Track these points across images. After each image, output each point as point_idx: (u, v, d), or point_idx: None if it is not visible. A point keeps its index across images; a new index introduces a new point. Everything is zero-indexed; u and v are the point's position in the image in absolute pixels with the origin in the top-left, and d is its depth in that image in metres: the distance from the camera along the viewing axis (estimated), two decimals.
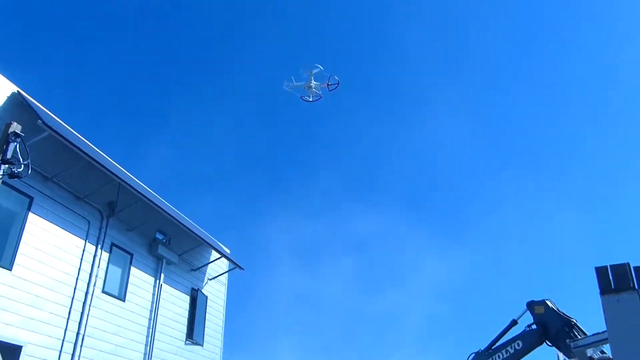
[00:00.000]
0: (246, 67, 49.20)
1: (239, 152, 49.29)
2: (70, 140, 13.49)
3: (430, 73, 49.54)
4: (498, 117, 50.64)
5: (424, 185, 51.65)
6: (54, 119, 14.67)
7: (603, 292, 6.62)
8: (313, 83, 22.04)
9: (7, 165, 10.09)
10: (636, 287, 6.52)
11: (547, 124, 50.53)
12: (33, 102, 14.08)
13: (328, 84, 22.10)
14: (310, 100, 22.30)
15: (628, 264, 6.70)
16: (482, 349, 12.09)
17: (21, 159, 10.11)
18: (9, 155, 10.17)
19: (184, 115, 46.24)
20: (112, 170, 14.89)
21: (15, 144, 10.22)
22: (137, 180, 18.04)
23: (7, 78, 13.84)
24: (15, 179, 10.36)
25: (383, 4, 47.25)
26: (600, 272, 6.67)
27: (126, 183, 15.42)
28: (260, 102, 47.61)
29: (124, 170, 17.40)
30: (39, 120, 12.80)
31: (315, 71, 21.82)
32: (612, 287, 6.52)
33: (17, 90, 13.91)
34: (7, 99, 13.59)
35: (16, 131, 10.28)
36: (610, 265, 6.58)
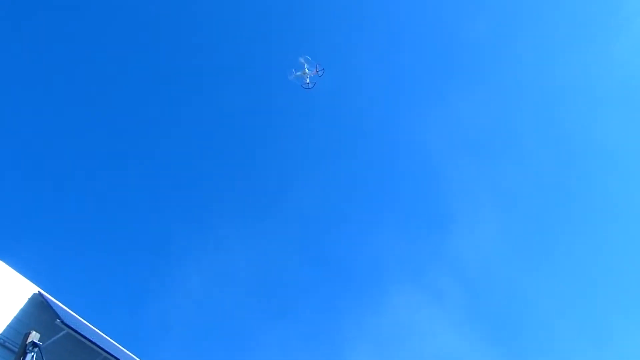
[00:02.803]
0: None
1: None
2: (88, 337, 13.45)
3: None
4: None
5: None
6: (73, 315, 14.81)
7: None
8: (307, 71, 26.69)
9: None
10: None
11: None
12: (52, 301, 14.34)
13: (317, 71, 26.75)
14: (309, 87, 27.07)
15: None
16: None
17: None
18: None
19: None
20: None
21: (33, 354, 10.20)
22: None
23: (28, 278, 14.28)
24: None
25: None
26: None
27: None
28: None
29: None
30: (58, 320, 12.95)
31: (305, 61, 26.66)
32: None
33: (38, 291, 14.25)
34: (27, 301, 13.87)
35: (34, 340, 10.33)
36: None
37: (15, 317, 13.36)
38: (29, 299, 13.96)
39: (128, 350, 16.78)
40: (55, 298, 14.85)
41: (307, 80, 26.86)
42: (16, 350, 11.97)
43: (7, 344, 12.81)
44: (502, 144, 45.20)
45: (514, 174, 44.32)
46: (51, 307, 13.82)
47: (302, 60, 26.68)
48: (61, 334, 12.99)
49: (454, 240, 44.28)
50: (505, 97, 43.50)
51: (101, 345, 13.86)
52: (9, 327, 13.05)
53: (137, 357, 17.09)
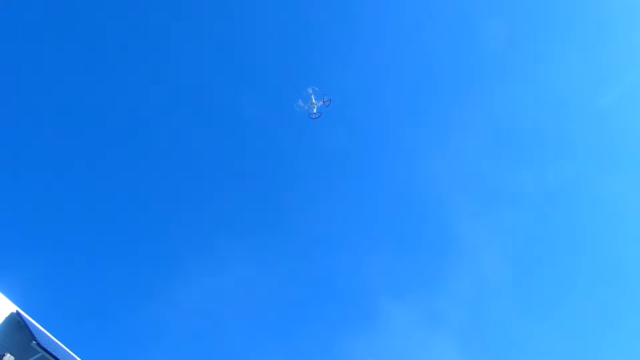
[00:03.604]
0: None
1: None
2: None
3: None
4: None
5: None
6: (49, 337, 14.71)
7: None
8: (314, 101, 27.12)
9: None
10: None
11: None
12: (30, 321, 14.26)
13: (324, 101, 27.17)
14: (316, 117, 27.51)
15: None
16: None
17: None
18: None
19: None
20: None
21: None
22: None
23: (7, 296, 14.20)
24: None
25: None
26: None
27: None
28: None
29: None
30: (34, 342, 12.89)
31: (312, 91, 27.11)
32: None
33: (17, 310, 14.17)
34: (4, 320, 13.77)
35: None
36: None
37: None
38: (6, 318, 13.85)
39: None
40: (36, 316, 14.81)
41: (314, 111, 27.48)
42: None
43: None
44: (505, 182, 45.58)
45: (515, 214, 44.69)
46: (28, 328, 13.72)
47: (309, 91, 27.24)
48: (36, 356, 12.92)
49: (454, 268, 44.22)
50: (506, 129, 44.15)
51: None
52: None
53: None
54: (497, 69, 42.78)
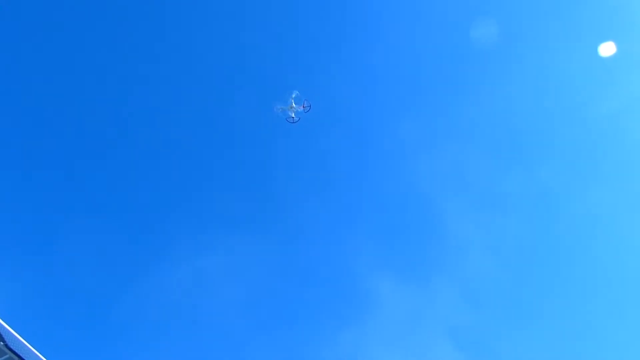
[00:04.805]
0: None
1: None
2: None
3: None
4: None
5: None
6: (19, 340, 14.20)
7: None
8: (294, 105, 26.61)
9: None
10: None
11: None
12: None
13: (303, 106, 26.65)
14: (293, 121, 26.96)
15: None
16: None
17: None
18: None
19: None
20: None
21: None
22: None
23: None
24: None
25: None
26: None
27: None
28: None
29: None
30: (1, 343, 12.43)
31: (294, 95, 26.72)
32: None
33: None
34: None
35: None
36: None
37: None
38: None
39: None
40: (9, 320, 14.35)
41: (292, 115, 27.24)
42: None
43: None
44: (495, 183, 44.99)
45: (504, 216, 43.90)
46: None
47: (292, 95, 27.06)
48: (4, 357, 12.45)
49: (441, 266, 43.65)
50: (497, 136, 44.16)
51: None
52: None
53: None
54: (488, 70, 42.71)
